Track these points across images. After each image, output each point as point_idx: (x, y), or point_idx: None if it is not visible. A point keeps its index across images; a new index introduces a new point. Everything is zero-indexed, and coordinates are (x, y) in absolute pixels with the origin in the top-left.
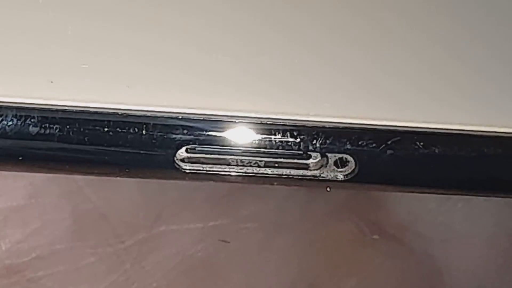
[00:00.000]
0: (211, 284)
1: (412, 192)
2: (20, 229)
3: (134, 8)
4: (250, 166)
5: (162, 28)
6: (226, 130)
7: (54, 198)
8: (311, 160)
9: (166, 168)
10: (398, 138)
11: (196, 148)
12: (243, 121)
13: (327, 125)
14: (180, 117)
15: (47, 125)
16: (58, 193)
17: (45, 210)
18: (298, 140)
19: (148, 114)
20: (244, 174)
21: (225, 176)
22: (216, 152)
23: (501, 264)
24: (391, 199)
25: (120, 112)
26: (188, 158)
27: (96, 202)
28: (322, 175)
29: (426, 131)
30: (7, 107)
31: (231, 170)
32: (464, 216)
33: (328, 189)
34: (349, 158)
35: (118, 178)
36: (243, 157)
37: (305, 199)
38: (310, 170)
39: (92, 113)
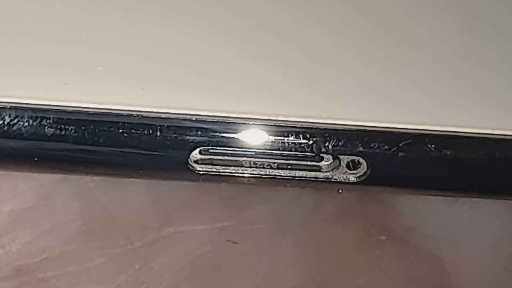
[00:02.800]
0: (219, 285)
1: (423, 194)
2: (31, 230)
3: (149, 11)
4: (263, 167)
5: (177, 31)
6: (239, 132)
7: (64, 200)
8: (323, 162)
9: (180, 169)
10: (410, 140)
11: (210, 150)
12: (256, 123)
13: (339, 127)
14: (194, 119)
15: (63, 126)
16: (68, 194)
17: (55, 212)
18: (311, 142)
19: (162, 116)
20: (257, 175)
21: (238, 178)
22: (229, 154)
23: (507, 266)
24: (397, 200)
25: (134, 114)
26: (202, 159)
27: (105, 203)
28: (334, 177)
29: (437, 134)
30: (23, 108)
31: (244, 171)
32: (470, 218)
33: (340, 191)
34: (361, 160)
35: (129, 179)
36: (256, 159)
37: (313, 201)
38: (323, 172)
39: (107, 114)
